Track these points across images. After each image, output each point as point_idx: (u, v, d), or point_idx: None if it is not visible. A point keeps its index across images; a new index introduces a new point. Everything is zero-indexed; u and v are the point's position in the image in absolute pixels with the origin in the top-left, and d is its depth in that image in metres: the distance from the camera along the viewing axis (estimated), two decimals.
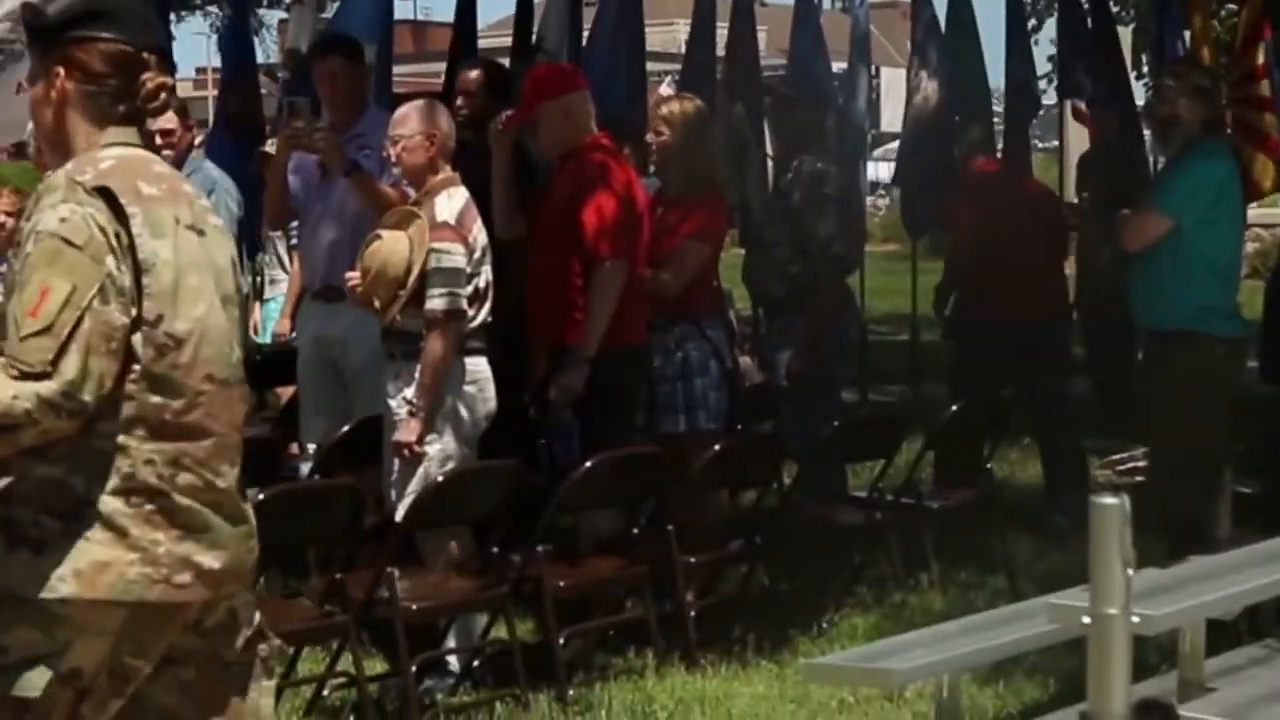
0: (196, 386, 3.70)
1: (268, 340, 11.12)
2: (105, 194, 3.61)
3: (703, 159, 8.04)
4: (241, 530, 3.82)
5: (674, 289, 7.86)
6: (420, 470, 6.87)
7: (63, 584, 3.57)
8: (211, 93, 31.12)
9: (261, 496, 6.27)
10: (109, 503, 3.62)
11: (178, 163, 8.87)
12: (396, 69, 11.74)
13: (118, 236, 3.61)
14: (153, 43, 3.82)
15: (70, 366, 3.52)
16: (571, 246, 7.44)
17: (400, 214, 7.08)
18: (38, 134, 3.93)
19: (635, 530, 7.46)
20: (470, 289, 6.97)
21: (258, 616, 3.91)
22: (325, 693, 6.61)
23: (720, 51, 12.75)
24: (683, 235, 7.93)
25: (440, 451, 6.92)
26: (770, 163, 10.83)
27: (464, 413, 6.99)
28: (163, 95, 3.80)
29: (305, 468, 8.02)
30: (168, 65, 3.86)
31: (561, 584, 6.96)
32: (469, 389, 7.00)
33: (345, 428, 7.62)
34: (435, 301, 6.86)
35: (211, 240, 3.81)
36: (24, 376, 3.51)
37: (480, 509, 6.92)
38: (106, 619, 3.60)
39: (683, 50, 15.04)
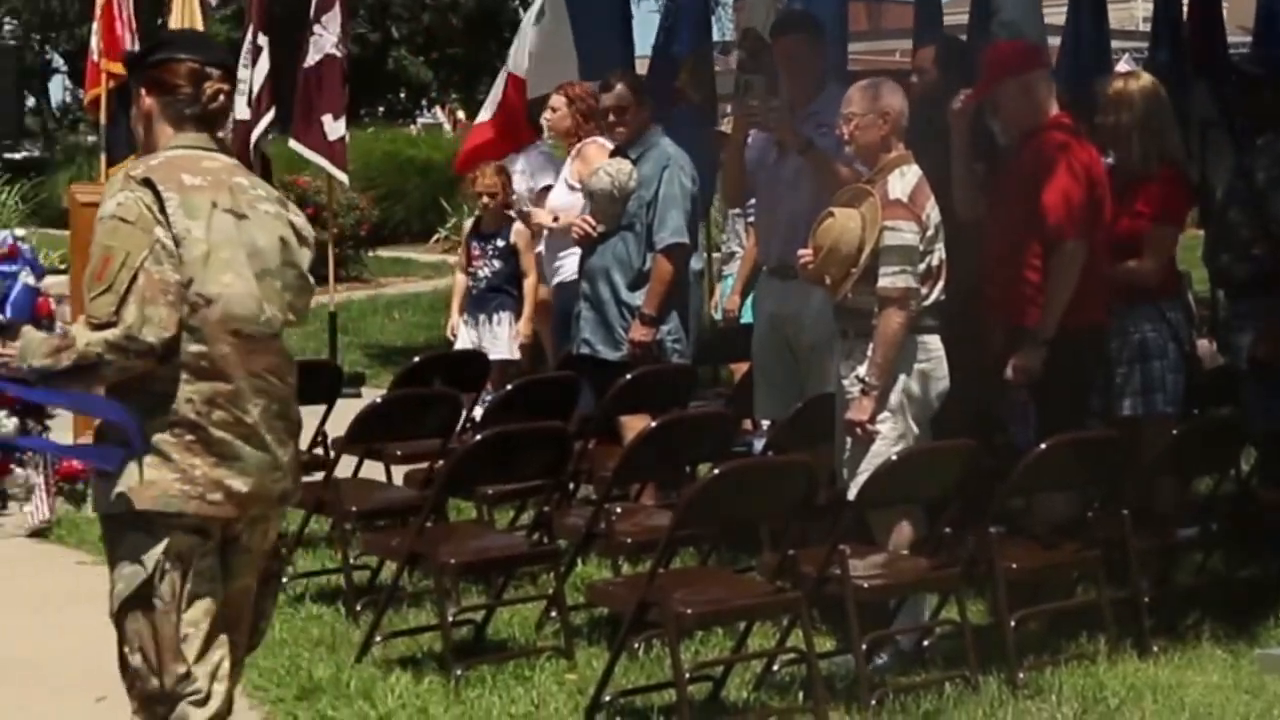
0: (224, 339, 4.57)
1: (720, 317, 11.28)
2: (148, 184, 4.55)
3: (1159, 137, 7.87)
4: (268, 460, 4.65)
5: (1153, 277, 7.72)
6: (872, 449, 6.89)
7: (120, 499, 4.49)
8: None
9: (716, 472, 6.38)
10: (157, 433, 4.51)
11: (632, 140, 9.08)
12: (851, 46, 11.73)
13: (162, 213, 4.52)
14: (216, 60, 4.83)
15: (130, 314, 4.43)
16: (1031, 227, 7.37)
17: (853, 191, 7.11)
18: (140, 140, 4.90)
19: (1089, 514, 7.35)
20: (923, 267, 6.96)
21: (275, 535, 4.86)
22: (775, 668, 6.67)
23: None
24: (1145, 217, 7.77)
25: (892, 430, 6.93)
26: (1233, 142, 10.52)
27: (916, 391, 6.99)
28: (221, 98, 4.77)
29: (758, 444, 8.11)
30: (231, 76, 4.89)
31: (1014, 566, 6.90)
32: (921, 367, 7.00)
33: (798, 404, 7.68)
34: (887, 279, 6.87)
35: (254, 223, 4.70)
36: (96, 327, 4.43)
37: (933, 489, 6.90)
38: (181, 524, 4.55)
39: (1140, 27, 14.71)
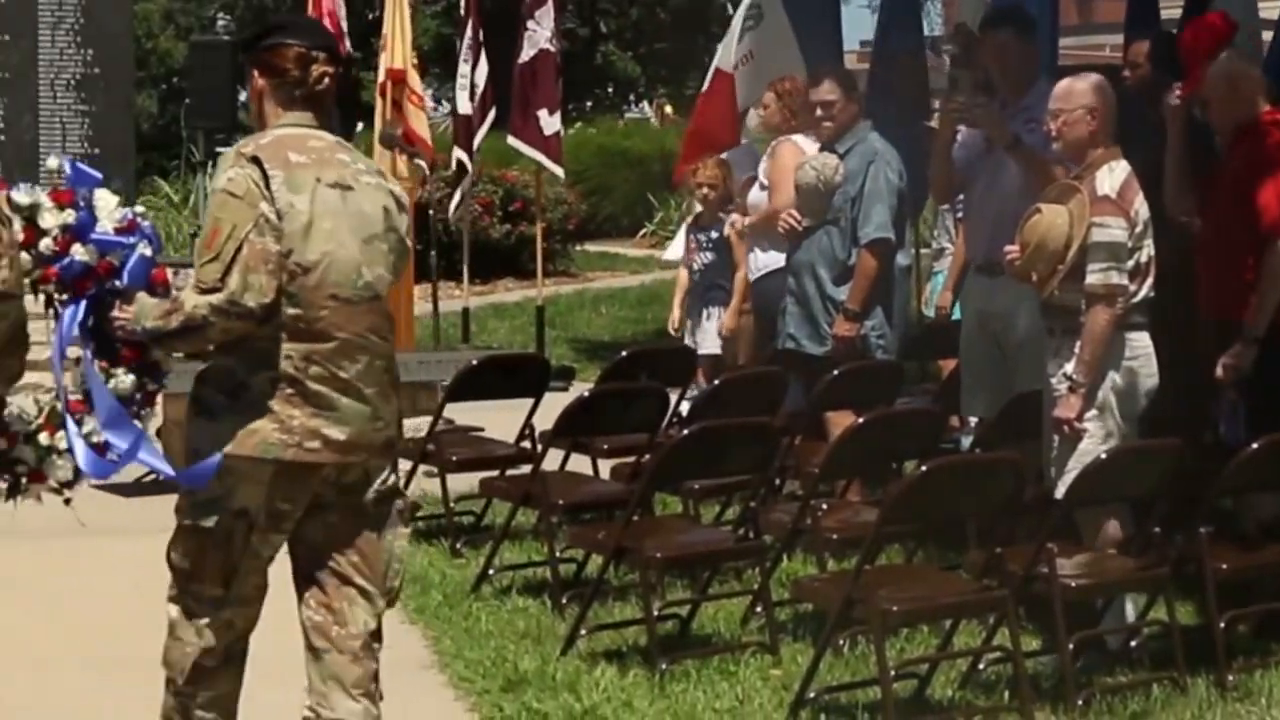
0: (321, 303, 4.90)
1: (930, 313, 11.22)
2: (256, 161, 4.88)
3: None
4: (366, 411, 4.96)
5: None
6: (1080, 447, 6.82)
7: (219, 446, 4.82)
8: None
9: (923, 469, 6.35)
10: (259, 386, 4.86)
11: (840, 134, 9.06)
12: (1062, 41, 11.62)
13: (267, 189, 4.84)
14: (322, 43, 5.13)
15: (233, 282, 4.77)
16: (1244, 225, 7.25)
17: (1061, 188, 7.04)
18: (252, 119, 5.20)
19: None
20: (1131, 263, 6.88)
21: (393, 478, 5.09)
22: (981, 666, 6.64)
23: None
24: None
25: (1100, 428, 6.86)
26: None
27: (1124, 389, 6.92)
28: (326, 80, 5.06)
29: (966, 441, 8.05)
30: (336, 61, 5.13)
31: (1224, 566, 6.80)
32: (1130, 364, 6.92)
33: (1006, 401, 7.63)
34: (1095, 276, 6.80)
35: (359, 194, 5.02)
36: (203, 292, 4.79)
37: (1141, 488, 6.82)
38: (259, 471, 4.85)
39: None
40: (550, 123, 14.08)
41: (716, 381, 8.85)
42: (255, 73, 5.11)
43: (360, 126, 16.03)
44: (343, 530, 5.04)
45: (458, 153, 14.35)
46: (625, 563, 7.35)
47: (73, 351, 4.99)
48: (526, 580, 8.01)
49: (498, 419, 9.47)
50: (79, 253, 4.94)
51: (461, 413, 9.54)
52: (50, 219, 4.97)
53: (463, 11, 14.36)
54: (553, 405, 8.39)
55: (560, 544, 7.82)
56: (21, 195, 4.97)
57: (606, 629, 7.12)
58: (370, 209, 5.05)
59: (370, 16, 15.77)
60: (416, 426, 10.19)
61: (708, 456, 7.21)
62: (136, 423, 4.96)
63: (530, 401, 8.88)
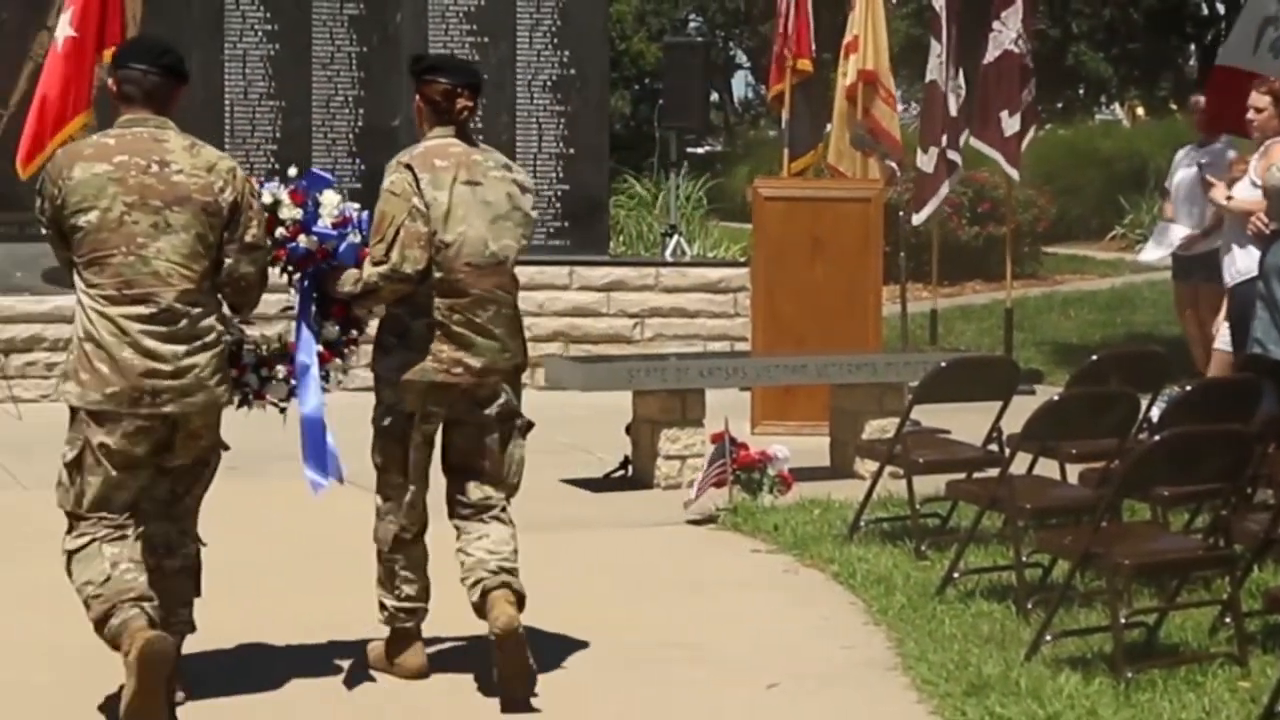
0: (459, 269, 6.59)
1: None
2: (409, 168, 6.59)
3: None
4: (496, 345, 6.65)
5: None
6: None
7: (393, 370, 6.59)
8: None
9: None
10: (419, 329, 6.58)
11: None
12: None
13: (417, 187, 6.55)
14: (467, 79, 6.76)
15: (394, 256, 6.49)
16: None
17: None
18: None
19: None
20: None
21: (514, 401, 6.75)
22: None
23: None
24: None
25: None
26: None
27: None
28: (465, 111, 6.71)
29: None
30: (475, 88, 6.75)
31: None
32: None
33: None
34: None
35: (486, 188, 6.67)
36: (375, 264, 6.51)
37: None
38: (418, 387, 6.58)
39: None
40: (1010, 124, 13.97)
41: (1188, 387, 8.63)
42: (417, 96, 6.79)
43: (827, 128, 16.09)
44: (476, 438, 6.73)
45: (948, 154, 14.25)
46: (1092, 569, 7.23)
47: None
48: (991, 584, 7.94)
49: (965, 421, 9.41)
50: (303, 241, 6.56)
51: (928, 414, 9.50)
52: (286, 213, 6.53)
53: (941, 13, 14.27)
54: (1021, 408, 8.29)
55: (1026, 548, 7.73)
56: (266, 194, 6.49)
57: (1072, 635, 7.01)
58: (494, 197, 6.69)
59: (842, 18, 15.79)
60: (883, 428, 10.20)
61: (1179, 463, 7.03)
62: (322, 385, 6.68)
63: (998, 404, 8.79)
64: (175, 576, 6.29)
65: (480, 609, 6.47)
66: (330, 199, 6.57)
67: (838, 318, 12.00)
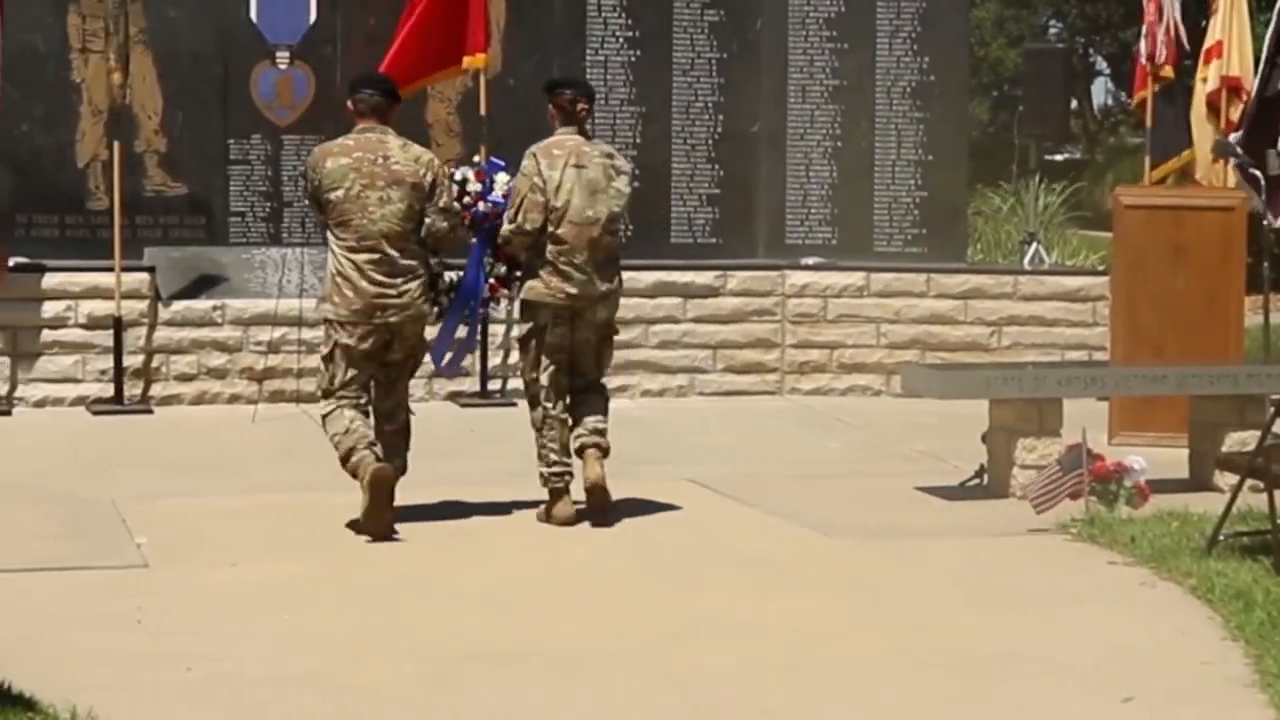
0: (565, 226, 9.25)
1: None
2: (534, 155, 9.31)
3: None
4: (586, 279, 9.28)
5: None
6: None
7: (523, 294, 9.41)
8: None
9: None
10: (536, 267, 9.30)
11: None
12: None
13: (538, 170, 9.25)
14: (584, 91, 9.59)
15: (520, 217, 9.23)
16: None
17: None
18: None
19: None
20: None
21: (602, 315, 9.46)
22: None
23: None
24: None
25: None
26: None
27: None
28: (582, 113, 9.46)
29: None
30: (590, 98, 9.61)
31: None
32: None
33: None
34: None
35: (590, 169, 9.33)
36: (509, 223, 9.28)
37: None
38: (541, 305, 9.29)
39: None
40: None
41: None
42: (550, 104, 9.50)
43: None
44: (582, 340, 9.44)
45: None
46: None
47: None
48: None
49: None
50: (481, 206, 9.50)
51: None
52: (471, 186, 9.52)
53: None
54: None
55: None
56: (458, 173, 9.57)
57: None
58: (594, 175, 9.37)
59: (1203, 23, 15.50)
60: (1244, 440, 10.01)
61: None
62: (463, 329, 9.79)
63: None
64: (394, 435, 9.26)
65: (579, 455, 9.35)
66: (501, 177, 9.56)
67: (1198, 328, 11.81)
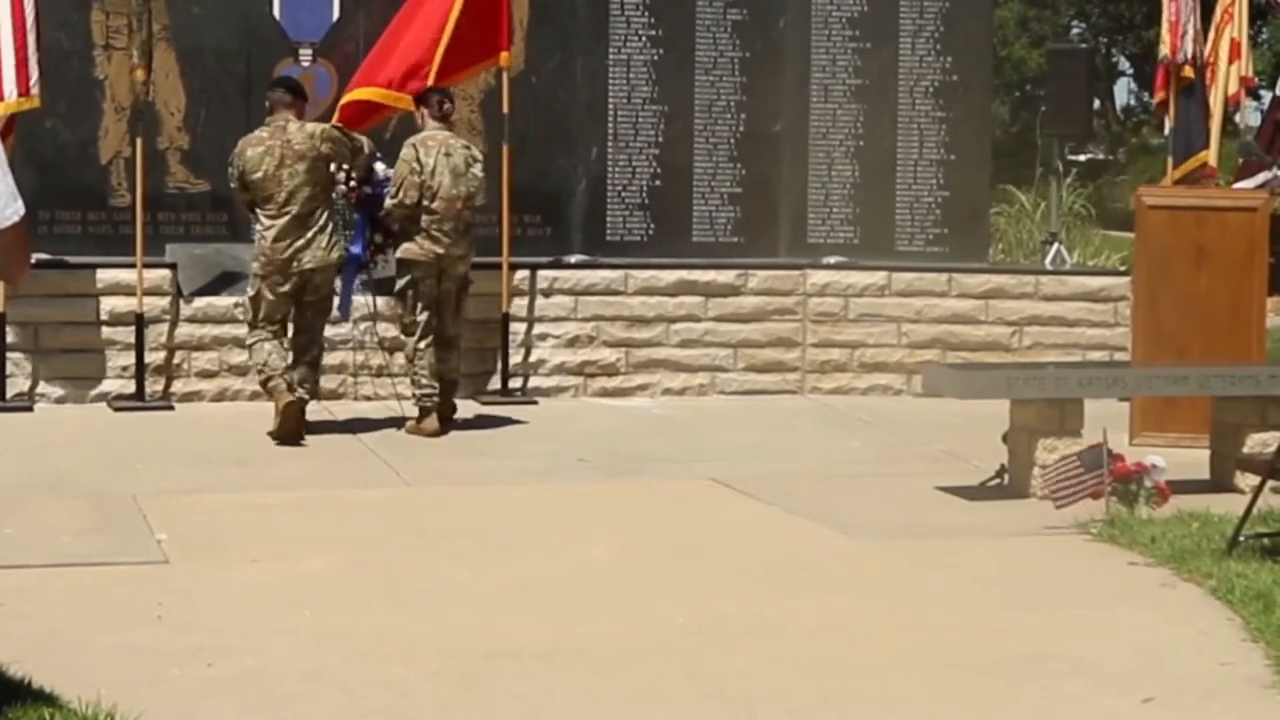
0: (437, 201, 11.87)
1: None
2: (414, 145, 11.94)
3: None
4: (451, 241, 11.91)
5: None
6: None
7: (400, 254, 11.99)
8: None
9: None
10: (411, 233, 11.94)
11: None
12: None
13: (416, 157, 11.88)
14: (447, 95, 12.35)
15: (401, 194, 11.84)
16: None
17: None
18: None
19: None
20: None
21: (461, 270, 12.24)
22: None
23: None
24: None
25: None
26: None
27: None
28: (449, 113, 12.25)
29: None
30: (452, 102, 12.42)
31: None
32: None
33: None
34: None
35: (454, 157, 11.94)
36: (390, 199, 11.88)
37: None
38: (416, 263, 11.99)
39: None
40: None
41: None
42: (421, 105, 12.14)
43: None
44: (446, 290, 12.00)
45: None
46: None
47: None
48: None
49: None
50: (367, 189, 11.86)
51: None
52: (378, 173, 11.90)
53: None
54: None
55: None
56: (380, 167, 11.98)
57: None
58: (457, 162, 11.88)
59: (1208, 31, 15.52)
60: (1265, 441, 10.00)
61: None
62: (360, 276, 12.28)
63: None
64: (307, 367, 11.75)
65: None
66: (379, 167, 11.94)
67: (1220, 329, 11.79)
